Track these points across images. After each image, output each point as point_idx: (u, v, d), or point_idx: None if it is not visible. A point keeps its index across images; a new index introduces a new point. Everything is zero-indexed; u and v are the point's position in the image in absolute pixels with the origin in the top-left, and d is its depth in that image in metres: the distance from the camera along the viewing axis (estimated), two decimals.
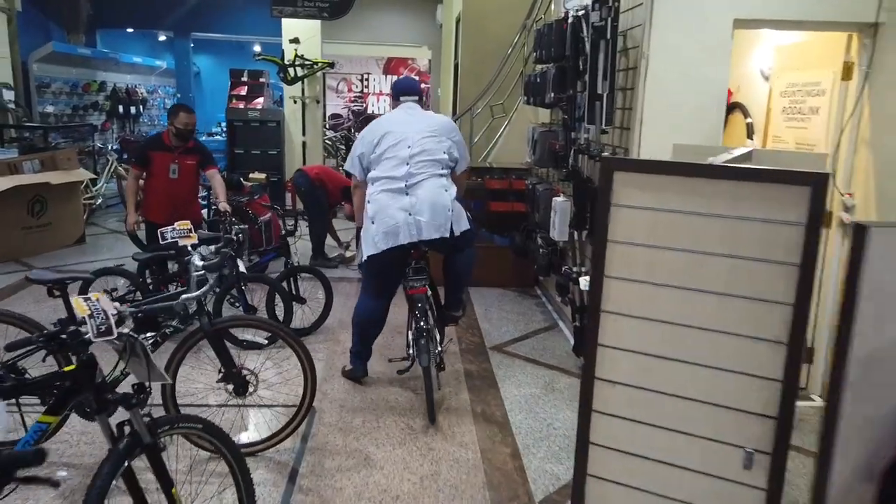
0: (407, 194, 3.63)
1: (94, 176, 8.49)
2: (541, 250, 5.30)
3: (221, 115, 10.12)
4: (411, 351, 3.73)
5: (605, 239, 2.10)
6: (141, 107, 11.57)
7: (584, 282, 4.10)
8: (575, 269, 4.32)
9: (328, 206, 6.91)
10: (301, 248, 6.69)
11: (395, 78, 15.01)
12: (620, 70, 3.88)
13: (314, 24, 9.46)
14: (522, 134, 6.68)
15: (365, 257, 3.74)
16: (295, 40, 9.27)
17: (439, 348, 3.71)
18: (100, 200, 8.76)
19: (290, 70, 9.34)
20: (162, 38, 13.05)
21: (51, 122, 9.22)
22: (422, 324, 3.49)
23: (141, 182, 5.05)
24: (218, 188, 4.94)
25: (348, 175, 4.16)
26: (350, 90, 15.69)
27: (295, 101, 9.63)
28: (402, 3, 11.88)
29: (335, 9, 8.36)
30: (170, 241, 2.98)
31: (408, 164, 3.66)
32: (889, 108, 3.60)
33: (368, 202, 3.73)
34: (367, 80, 15.59)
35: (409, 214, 3.60)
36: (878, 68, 3.65)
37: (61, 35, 11.04)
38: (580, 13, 4.30)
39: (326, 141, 12.21)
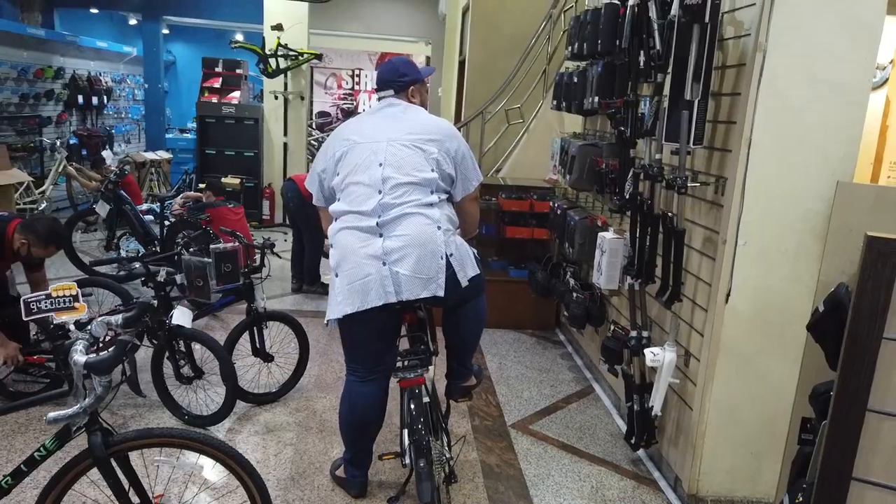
0: (380, 235, 2.49)
1: (29, 178, 7.25)
2: (574, 295, 4.20)
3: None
4: (407, 460, 2.60)
5: (861, 405, 1.01)
6: (105, 97, 10.31)
7: (650, 355, 3.02)
8: (634, 333, 3.22)
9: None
10: (279, 271, 5.54)
11: None
12: (717, 68, 2.80)
13: (300, 10, 8.31)
14: (542, 144, 5.59)
15: (326, 318, 2.61)
16: (278, 27, 8.12)
17: (447, 454, 2.57)
18: (44, 205, 7.54)
19: (272, 61, 8.18)
20: (133, 21, 11.77)
21: None
22: (420, 429, 2.34)
23: None
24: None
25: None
26: (340, 86, 14.54)
27: (276, 97, 8.46)
28: None
29: None
30: (38, 316, 1.85)
31: (380, 191, 2.51)
32: None
33: (331, 245, 2.60)
34: (358, 75, 14.47)
35: (384, 264, 2.46)
36: None
37: (13, 12, 9.78)
38: None
39: (312, 142, 11.03)
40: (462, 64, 8.11)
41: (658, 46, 3.17)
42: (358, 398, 2.68)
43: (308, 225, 5.63)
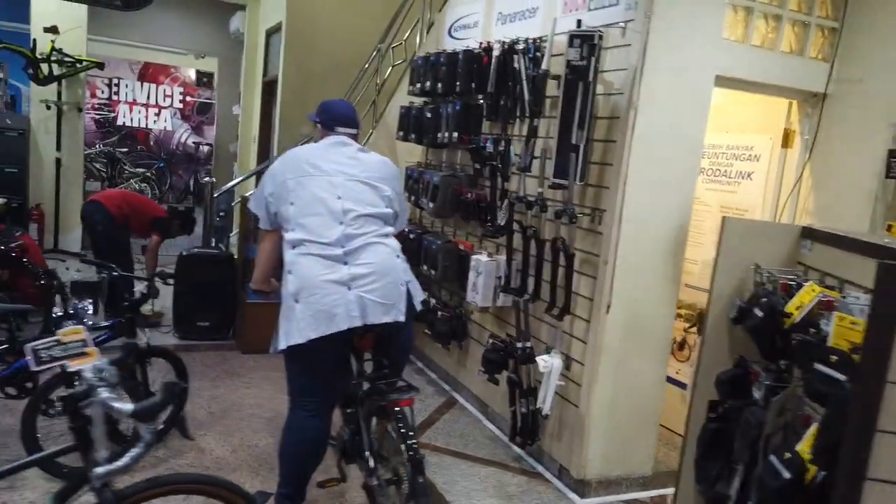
0: (345, 263, 2.63)
1: None
2: (439, 314, 4.53)
3: None
4: (375, 481, 2.68)
5: (883, 377, 1.48)
6: None
7: (542, 362, 3.46)
8: (520, 343, 3.64)
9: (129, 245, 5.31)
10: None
11: (153, 87, 12.96)
12: (600, 118, 3.34)
13: (79, 13, 7.49)
14: None
15: (282, 346, 2.64)
16: (52, 29, 7.22)
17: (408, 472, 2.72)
18: None
19: (44, 66, 7.24)
20: None
21: None
22: (417, 446, 2.48)
23: None
24: None
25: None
26: (94, 96, 13.12)
27: (49, 107, 7.49)
28: (186, 4, 10.02)
29: None
30: (52, 365, 1.64)
31: (342, 222, 2.65)
32: (834, 177, 3.60)
33: (289, 273, 2.65)
34: (117, 85, 13.21)
35: (349, 289, 2.59)
36: (823, 139, 3.64)
37: None
38: (520, 46, 3.73)
39: None
40: (268, 84, 8.02)
41: (528, 95, 3.69)
42: (307, 432, 2.70)
43: (118, 251, 5.17)
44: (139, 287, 3.58)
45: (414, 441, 2.48)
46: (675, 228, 3.35)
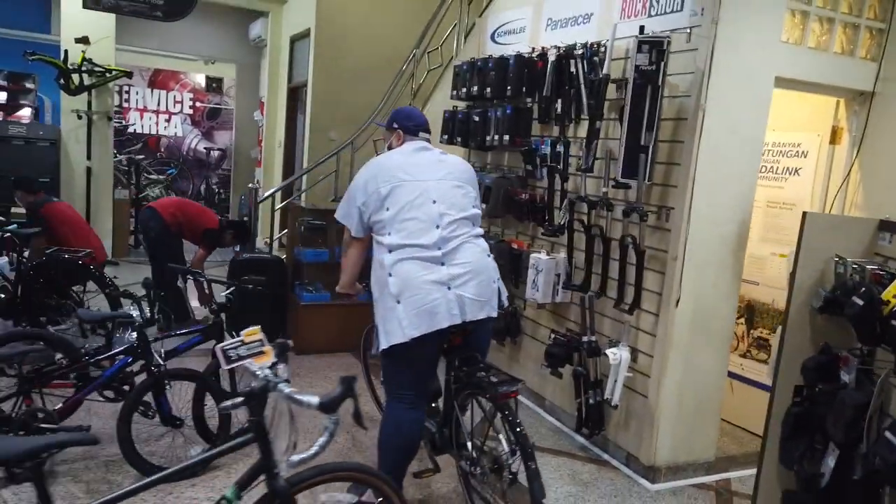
0: (443, 264, 2.76)
1: None
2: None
3: None
4: (478, 469, 2.82)
5: None
6: None
7: (611, 355, 3.60)
8: (585, 338, 3.78)
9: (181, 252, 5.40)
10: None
11: (163, 93, 13.04)
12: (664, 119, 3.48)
13: (107, 23, 7.58)
14: None
15: (385, 346, 2.77)
16: (83, 40, 7.30)
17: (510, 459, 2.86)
18: None
19: (75, 76, 7.33)
20: None
21: None
22: (526, 434, 2.64)
23: None
24: None
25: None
26: None
27: (80, 116, 7.57)
28: (205, 12, 10.03)
29: (174, 7, 6.67)
30: (238, 363, 1.77)
31: (438, 225, 2.78)
32: (882, 173, 3.76)
33: (390, 275, 2.77)
34: (128, 92, 13.27)
35: (449, 289, 2.73)
36: (871, 135, 3.80)
37: None
38: (579, 52, 3.87)
39: None
40: (293, 91, 8.13)
41: (585, 99, 3.83)
42: (406, 424, 2.83)
43: (170, 257, 5.28)
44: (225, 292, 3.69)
45: (523, 430, 2.62)
46: (737, 224, 3.50)
